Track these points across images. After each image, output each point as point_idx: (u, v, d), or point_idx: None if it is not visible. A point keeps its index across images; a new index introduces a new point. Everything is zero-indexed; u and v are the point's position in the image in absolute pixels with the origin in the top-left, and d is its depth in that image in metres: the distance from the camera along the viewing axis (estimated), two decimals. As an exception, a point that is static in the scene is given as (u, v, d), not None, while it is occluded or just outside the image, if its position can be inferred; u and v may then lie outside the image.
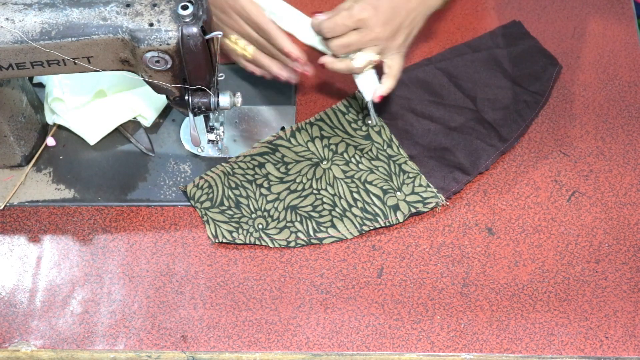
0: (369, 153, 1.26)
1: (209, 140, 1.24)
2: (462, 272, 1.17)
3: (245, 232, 1.20)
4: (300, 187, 1.24)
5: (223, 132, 1.24)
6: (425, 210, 1.21)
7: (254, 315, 1.14)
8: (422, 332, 1.13)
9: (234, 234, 1.20)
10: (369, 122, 1.28)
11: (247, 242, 1.19)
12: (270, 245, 1.19)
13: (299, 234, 1.20)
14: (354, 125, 1.29)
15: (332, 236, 1.20)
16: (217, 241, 1.20)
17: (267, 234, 1.20)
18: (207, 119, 1.21)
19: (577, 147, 1.28)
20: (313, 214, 1.22)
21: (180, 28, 1.05)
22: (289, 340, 1.13)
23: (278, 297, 1.16)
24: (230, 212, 1.22)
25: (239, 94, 1.19)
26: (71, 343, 1.13)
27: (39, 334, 1.14)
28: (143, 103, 1.29)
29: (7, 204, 1.24)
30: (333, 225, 1.21)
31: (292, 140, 1.28)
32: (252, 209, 1.22)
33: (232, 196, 1.23)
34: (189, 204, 1.23)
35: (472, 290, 1.16)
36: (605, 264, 1.18)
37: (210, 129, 1.23)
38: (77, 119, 1.28)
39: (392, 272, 1.18)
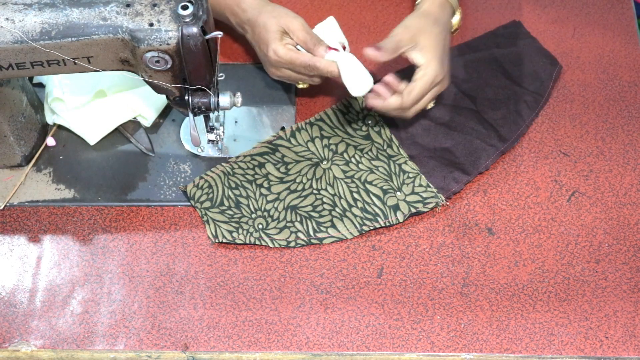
0: (369, 153, 1.26)
1: (209, 140, 1.24)
2: (462, 272, 1.17)
3: (245, 232, 1.20)
4: (300, 187, 1.24)
5: (223, 132, 1.24)
6: (425, 210, 1.21)
7: (254, 315, 1.14)
8: (422, 332, 1.13)
9: (234, 234, 1.20)
10: (369, 121, 1.28)
11: (247, 242, 1.19)
12: (270, 245, 1.19)
13: (299, 234, 1.20)
14: (354, 125, 1.29)
15: (332, 236, 1.20)
16: (217, 241, 1.20)
17: (267, 234, 1.20)
18: (207, 119, 1.21)
19: (577, 147, 1.28)
20: (313, 214, 1.21)
21: (180, 28, 1.05)
22: (289, 340, 1.13)
23: (278, 297, 1.16)
24: (230, 212, 1.22)
25: (239, 94, 1.19)
26: (71, 343, 1.13)
27: (39, 334, 1.14)
28: (143, 103, 1.29)
29: (7, 204, 1.24)
30: (333, 225, 1.21)
31: (292, 140, 1.27)
32: (252, 209, 1.22)
33: (232, 196, 1.23)
34: (189, 204, 1.23)
35: (472, 290, 1.16)
36: (605, 264, 1.18)
37: (210, 129, 1.23)
38: (77, 119, 1.28)
39: (392, 272, 1.17)
